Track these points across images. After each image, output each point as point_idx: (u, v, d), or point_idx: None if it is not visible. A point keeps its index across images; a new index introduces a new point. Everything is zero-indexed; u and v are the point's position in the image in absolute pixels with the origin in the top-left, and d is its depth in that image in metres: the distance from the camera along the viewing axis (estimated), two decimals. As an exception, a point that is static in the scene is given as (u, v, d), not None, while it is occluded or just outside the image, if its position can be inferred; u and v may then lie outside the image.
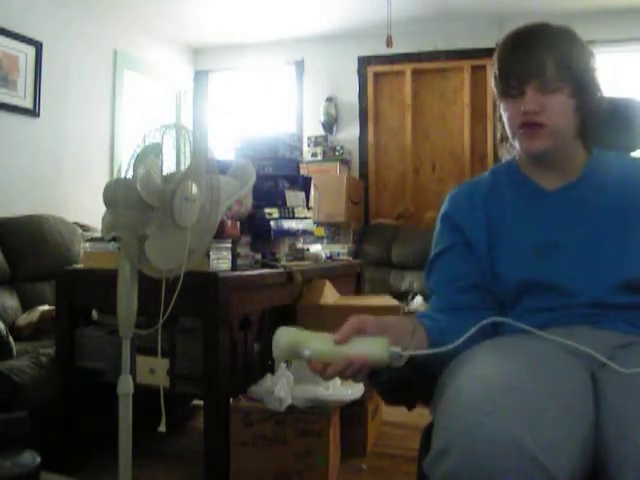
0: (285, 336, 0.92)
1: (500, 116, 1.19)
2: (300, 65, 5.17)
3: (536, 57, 1.08)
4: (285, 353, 0.92)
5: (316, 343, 0.91)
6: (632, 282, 1.06)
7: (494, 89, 1.17)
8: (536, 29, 1.12)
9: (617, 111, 1.30)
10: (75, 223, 3.40)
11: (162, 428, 1.77)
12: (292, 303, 2.46)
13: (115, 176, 1.92)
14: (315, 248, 2.91)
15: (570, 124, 1.12)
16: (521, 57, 1.10)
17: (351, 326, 0.94)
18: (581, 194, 1.15)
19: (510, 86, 1.11)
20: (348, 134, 5.05)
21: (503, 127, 1.19)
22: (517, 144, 1.15)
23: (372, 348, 0.91)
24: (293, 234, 2.68)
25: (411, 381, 1.10)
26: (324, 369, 0.91)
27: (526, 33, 1.13)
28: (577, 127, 1.14)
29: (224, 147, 4.43)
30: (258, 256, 2.40)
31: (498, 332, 1.11)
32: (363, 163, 5.03)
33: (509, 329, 1.10)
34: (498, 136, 1.28)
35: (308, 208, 2.84)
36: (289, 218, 2.62)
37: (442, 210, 1.26)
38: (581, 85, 1.11)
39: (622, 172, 1.17)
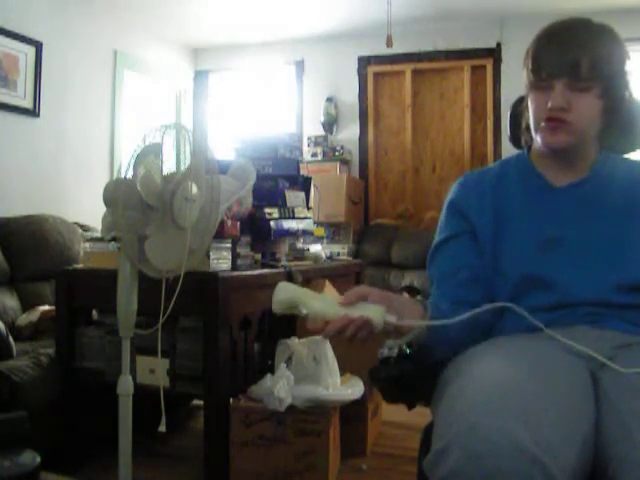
0: (284, 292, 0.96)
1: (527, 106, 1.18)
2: (300, 65, 5.17)
3: (570, 54, 1.07)
4: (283, 307, 0.96)
5: (315, 302, 0.94)
6: (634, 282, 1.06)
7: (524, 78, 1.15)
8: (575, 25, 1.11)
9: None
10: (75, 223, 3.40)
11: (162, 428, 1.78)
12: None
13: (115, 176, 1.92)
14: (315, 248, 2.90)
15: (594, 124, 1.12)
16: (555, 52, 1.09)
17: (355, 292, 0.97)
18: (588, 192, 1.15)
19: (540, 79, 1.10)
20: (348, 134, 5.05)
21: (529, 117, 1.17)
22: (538, 136, 1.14)
23: (369, 313, 0.94)
24: (293, 234, 2.68)
25: (412, 379, 1.10)
26: (324, 326, 0.94)
27: (564, 28, 1.11)
28: (600, 128, 1.14)
29: (224, 147, 4.43)
30: (258, 256, 2.40)
31: (495, 332, 1.11)
32: (363, 163, 5.03)
33: (508, 330, 1.10)
34: (523, 125, 1.26)
35: (308, 208, 2.83)
36: (289, 218, 2.61)
37: (449, 197, 1.25)
38: (612, 86, 1.10)
39: (628, 174, 1.17)
